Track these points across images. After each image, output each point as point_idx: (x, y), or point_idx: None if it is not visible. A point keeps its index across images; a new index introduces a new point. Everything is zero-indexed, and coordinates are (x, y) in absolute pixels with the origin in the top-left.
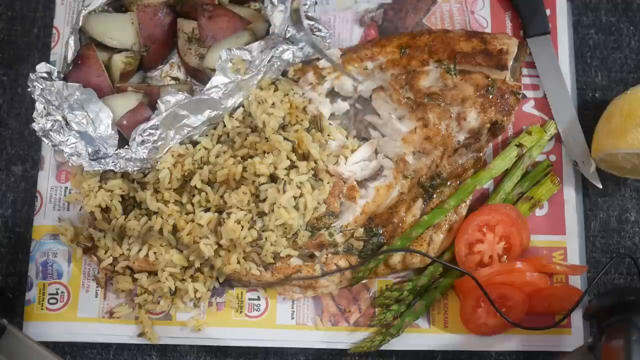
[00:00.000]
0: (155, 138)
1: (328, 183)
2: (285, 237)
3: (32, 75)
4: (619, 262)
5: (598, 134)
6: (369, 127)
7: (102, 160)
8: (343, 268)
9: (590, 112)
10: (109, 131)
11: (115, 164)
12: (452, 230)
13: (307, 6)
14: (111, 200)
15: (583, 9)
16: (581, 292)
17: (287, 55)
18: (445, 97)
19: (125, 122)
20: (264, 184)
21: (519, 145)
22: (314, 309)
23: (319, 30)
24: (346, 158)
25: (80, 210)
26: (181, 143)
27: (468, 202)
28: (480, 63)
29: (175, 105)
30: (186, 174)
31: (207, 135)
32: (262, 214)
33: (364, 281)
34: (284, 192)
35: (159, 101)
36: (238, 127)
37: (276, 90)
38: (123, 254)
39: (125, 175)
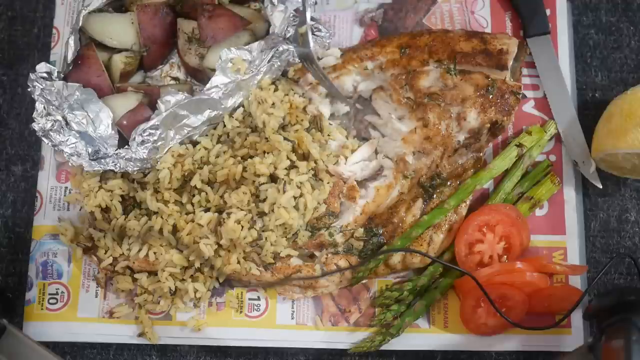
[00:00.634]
0: (155, 138)
1: (328, 183)
2: (285, 237)
3: (32, 75)
4: (619, 262)
5: (598, 134)
6: (369, 127)
7: (102, 160)
8: (343, 268)
9: (590, 112)
10: (109, 131)
11: (115, 164)
12: (452, 230)
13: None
14: (111, 200)
15: (583, 9)
16: (581, 292)
17: (287, 55)
18: (445, 97)
19: (125, 122)
20: (264, 184)
21: (519, 145)
22: (314, 309)
23: (319, 30)
24: (346, 158)
25: (80, 210)
26: (181, 143)
27: (468, 202)
28: (480, 63)
29: (175, 105)
30: (186, 174)
31: (207, 135)
32: (262, 214)
33: (364, 281)
34: (284, 192)
35: (159, 101)
36: (238, 127)
37: (276, 90)
38: (123, 254)
39: (125, 175)
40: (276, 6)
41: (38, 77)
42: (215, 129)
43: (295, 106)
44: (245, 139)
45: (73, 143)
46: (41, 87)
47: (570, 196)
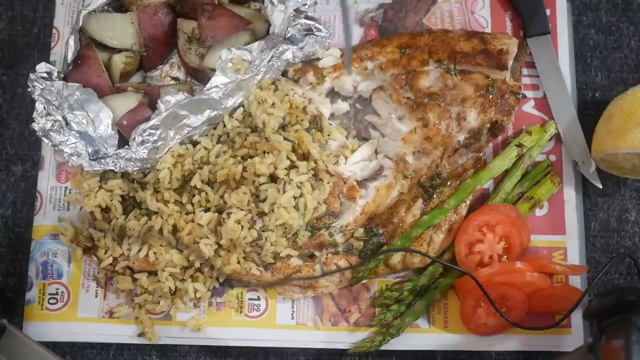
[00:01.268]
0: (155, 138)
1: (328, 183)
2: (285, 237)
3: (32, 75)
4: (619, 262)
5: (598, 134)
6: (369, 127)
7: (102, 160)
8: (343, 268)
9: (590, 112)
10: (109, 131)
11: (115, 164)
12: (452, 230)
13: (307, 6)
14: (111, 200)
15: (583, 9)
16: (581, 292)
17: (287, 55)
18: (445, 97)
19: (125, 122)
20: (264, 184)
21: (519, 145)
22: (314, 309)
23: (319, 30)
24: (346, 158)
25: (80, 210)
26: (181, 143)
27: (468, 202)
28: (480, 63)
29: (175, 105)
30: (186, 174)
31: (207, 135)
32: (262, 214)
33: (364, 281)
34: (284, 192)
35: (159, 101)
36: (238, 127)
37: (276, 90)
38: (123, 254)
39: (125, 175)
40: (276, 6)
41: (38, 77)
42: (215, 129)
43: (295, 106)
44: (245, 139)
45: (73, 143)
46: (41, 87)
47: (570, 196)
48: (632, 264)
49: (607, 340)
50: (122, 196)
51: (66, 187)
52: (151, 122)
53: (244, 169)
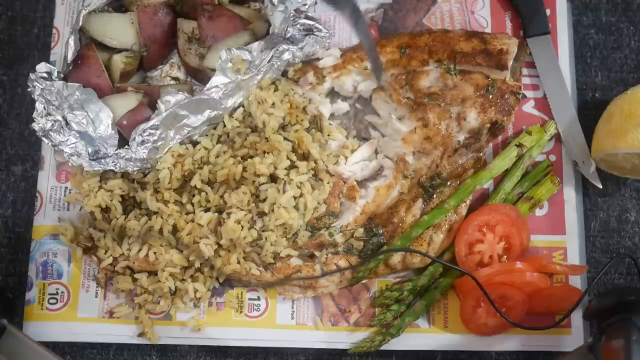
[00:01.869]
0: (155, 138)
1: (328, 183)
2: (285, 237)
3: (32, 75)
4: (619, 262)
5: (598, 134)
6: (369, 127)
7: (102, 160)
8: (343, 268)
9: (590, 112)
10: (109, 131)
11: (115, 164)
12: (452, 230)
13: (307, 6)
14: (111, 200)
15: (583, 9)
16: (581, 292)
17: (287, 55)
18: (445, 97)
19: (125, 122)
20: (264, 184)
21: (519, 145)
22: (314, 309)
23: (319, 30)
24: (346, 158)
25: (80, 210)
26: (181, 143)
27: (468, 202)
28: (480, 63)
29: (175, 105)
30: (186, 174)
31: (207, 135)
32: (262, 214)
33: (364, 281)
34: (284, 192)
35: (159, 101)
36: (238, 127)
37: (276, 90)
38: (123, 254)
39: (125, 175)
40: (276, 6)
41: (38, 77)
42: (215, 129)
43: (295, 106)
44: (245, 139)
45: (73, 143)
46: (41, 87)
47: (570, 196)
48: (632, 264)
49: (607, 340)
50: (122, 196)
51: (66, 187)
52: (151, 122)
53: (244, 169)
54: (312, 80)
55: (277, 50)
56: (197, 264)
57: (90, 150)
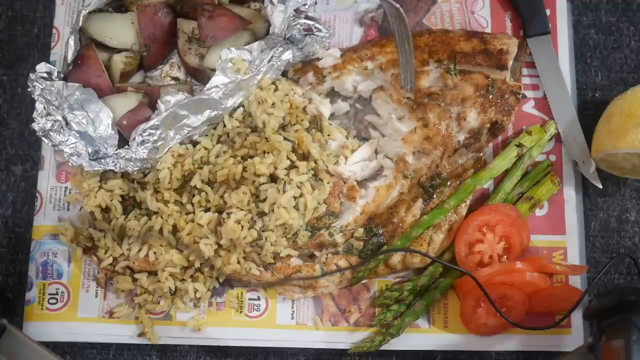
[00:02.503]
0: (155, 138)
1: (328, 183)
2: (285, 237)
3: (32, 75)
4: (619, 262)
5: (598, 134)
6: (369, 127)
7: (102, 160)
8: (343, 268)
9: (590, 112)
10: (109, 131)
11: (115, 164)
12: (452, 230)
13: (307, 6)
14: (111, 200)
15: (583, 9)
16: (581, 292)
17: (287, 55)
18: (445, 97)
19: (125, 122)
20: (264, 184)
21: (519, 145)
22: (314, 309)
23: (319, 30)
24: (346, 158)
25: (80, 210)
26: (181, 143)
27: (468, 202)
28: (480, 63)
29: (175, 105)
30: (186, 174)
31: (207, 135)
32: (262, 214)
33: (364, 281)
34: (284, 192)
35: (159, 101)
36: (238, 127)
37: (276, 90)
38: (123, 254)
39: (125, 175)
40: (276, 6)
41: (38, 77)
42: (215, 129)
43: (295, 106)
44: (245, 139)
45: (73, 143)
46: (41, 87)
47: (570, 196)
48: (632, 264)
49: (607, 340)
50: (122, 196)
51: (66, 187)
52: (151, 122)
53: (244, 169)
54: (312, 80)
55: (277, 50)
56: (197, 264)
57: (90, 150)
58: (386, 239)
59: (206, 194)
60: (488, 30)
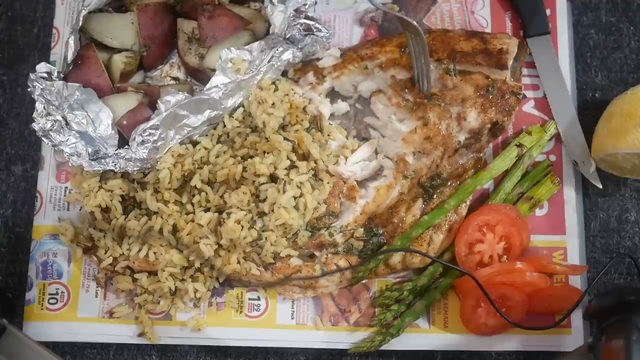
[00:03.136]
0: (155, 138)
1: (328, 183)
2: (285, 237)
3: (32, 75)
4: (619, 262)
5: (598, 134)
6: (369, 127)
7: (102, 160)
8: (343, 268)
9: (590, 112)
10: (109, 131)
11: (115, 164)
12: (452, 230)
13: (307, 6)
14: (111, 200)
15: (583, 9)
16: (581, 292)
17: (287, 55)
18: (445, 97)
19: (125, 122)
20: (264, 184)
21: (519, 145)
22: (314, 309)
23: (319, 30)
24: (346, 158)
25: (80, 210)
26: (181, 143)
27: (468, 202)
28: (480, 63)
29: (175, 105)
30: (186, 174)
31: (207, 135)
32: (262, 214)
33: (364, 281)
34: (284, 192)
35: (159, 101)
36: (238, 127)
37: (276, 90)
38: (123, 254)
39: (125, 175)
40: (276, 6)
41: (38, 77)
42: (215, 129)
43: (295, 106)
44: (245, 139)
45: (73, 143)
46: (41, 87)
47: (570, 196)
48: (632, 264)
49: (607, 340)
50: (122, 196)
51: (66, 187)
52: (151, 122)
53: (244, 169)
54: (312, 80)
55: (277, 50)
56: (197, 264)
57: (90, 150)
58: (386, 239)
59: (206, 194)
60: (488, 30)
